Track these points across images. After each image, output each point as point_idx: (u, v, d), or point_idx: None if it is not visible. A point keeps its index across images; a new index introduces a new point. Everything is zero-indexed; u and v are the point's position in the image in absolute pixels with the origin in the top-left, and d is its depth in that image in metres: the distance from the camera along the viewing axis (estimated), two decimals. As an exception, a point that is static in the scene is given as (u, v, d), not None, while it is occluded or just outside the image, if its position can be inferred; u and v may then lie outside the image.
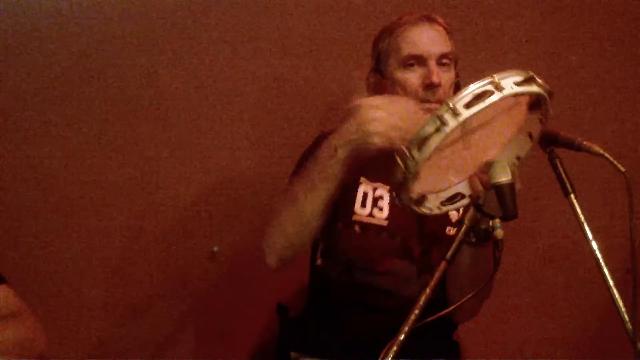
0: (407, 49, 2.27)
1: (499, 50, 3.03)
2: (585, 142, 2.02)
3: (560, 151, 2.04)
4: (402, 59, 2.27)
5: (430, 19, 2.31)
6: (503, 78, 1.70)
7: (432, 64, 2.25)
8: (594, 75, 3.14)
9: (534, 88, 1.74)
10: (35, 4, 2.73)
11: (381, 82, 2.31)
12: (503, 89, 1.69)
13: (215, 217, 2.86)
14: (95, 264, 2.79)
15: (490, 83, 1.69)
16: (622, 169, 1.92)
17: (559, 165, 2.01)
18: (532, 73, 1.74)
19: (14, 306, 2.14)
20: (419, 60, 2.26)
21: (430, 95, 2.23)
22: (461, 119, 1.67)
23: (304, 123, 2.86)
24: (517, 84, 1.72)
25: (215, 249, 2.85)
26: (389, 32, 2.32)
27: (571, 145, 2.03)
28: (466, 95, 1.69)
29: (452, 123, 1.67)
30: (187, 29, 2.83)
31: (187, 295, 2.86)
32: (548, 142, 2.03)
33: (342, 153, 2.08)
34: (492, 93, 1.68)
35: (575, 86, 3.10)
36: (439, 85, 2.23)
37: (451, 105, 1.67)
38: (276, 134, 2.89)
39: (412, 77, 2.25)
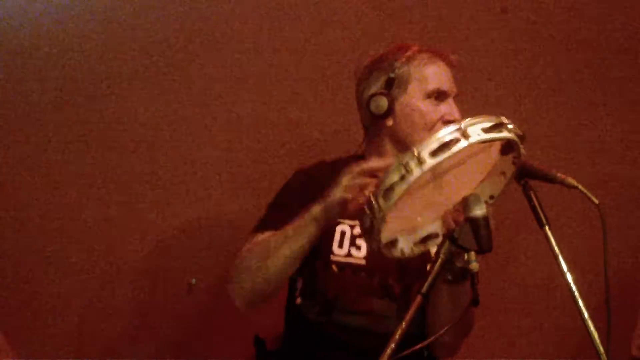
0: (435, 83, 2.33)
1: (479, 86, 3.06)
2: (559, 175, 2.02)
3: (535, 181, 2.04)
4: (428, 90, 2.33)
5: (446, 57, 2.37)
6: (470, 125, 1.71)
7: (452, 101, 2.34)
8: (568, 105, 3.19)
9: (503, 134, 1.75)
10: (19, 39, 2.76)
11: (393, 105, 2.32)
12: (469, 136, 1.70)
13: (194, 249, 2.87)
14: (73, 296, 2.78)
15: (457, 130, 1.70)
16: (596, 201, 1.93)
17: (533, 198, 2.01)
18: (502, 118, 1.75)
19: None
20: (442, 95, 2.33)
21: None
22: (425, 167, 1.69)
23: (283, 161, 2.88)
24: (486, 130, 1.72)
25: (193, 281, 2.85)
26: (406, 59, 2.34)
27: (545, 177, 2.04)
28: (432, 142, 1.70)
29: (416, 172, 1.69)
30: (171, 68, 2.87)
31: (165, 327, 2.85)
32: (522, 174, 2.02)
33: (322, 220, 2.09)
34: (458, 140, 1.70)
35: (550, 117, 3.14)
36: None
37: (416, 153, 1.69)
38: (255, 171, 2.91)
39: (434, 111, 2.32)
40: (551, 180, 2.03)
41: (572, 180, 2.00)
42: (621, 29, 3.24)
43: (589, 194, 1.95)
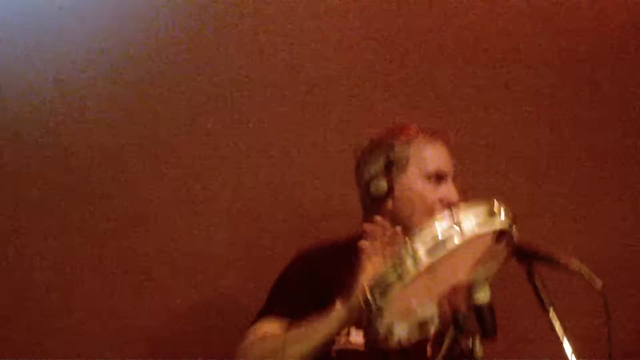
0: (433, 165, 2.36)
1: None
2: (562, 259, 2.01)
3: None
4: (427, 172, 2.35)
5: (444, 138, 2.40)
6: (464, 218, 1.73)
7: (451, 182, 2.36)
8: (570, 185, 3.20)
9: (496, 225, 1.77)
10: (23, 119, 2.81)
11: (392, 187, 2.33)
12: (464, 231, 1.72)
13: (199, 328, 2.88)
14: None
15: (452, 223, 1.72)
16: (599, 285, 1.92)
17: (536, 280, 2.00)
18: (495, 206, 1.77)
19: None
20: (440, 176, 2.35)
21: (446, 210, 2.25)
22: (422, 267, 1.71)
23: (286, 235, 2.90)
24: (479, 223, 1.75)
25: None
26: (405, 141, 2.37)
27: (548, 261, 2.02)
28: (427, 239, 1.72)
29: (413, 271, 1.71)
30: (169, 139, 2.92)
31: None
32: (525, 256, 2.01)
33: (346, 320, 2.07)
34: (453, 237, 1.72)
35: (552, 192, 3.16)
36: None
37: (412, 252, 1.70)
38: (258, 247, 2.93)
39: (433, 192, 2.34)
40: (555, 263, 2.02)
41: (574, 264, 1.99)
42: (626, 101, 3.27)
43: (592, 278, 1.93)
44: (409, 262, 1.70)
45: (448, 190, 2.34)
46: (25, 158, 2.83)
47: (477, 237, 1.79)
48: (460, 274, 1.89)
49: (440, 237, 1.71)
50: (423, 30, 3.19)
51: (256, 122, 2.99)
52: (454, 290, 1.88)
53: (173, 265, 2.89)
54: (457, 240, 1.71)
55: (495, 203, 1.78)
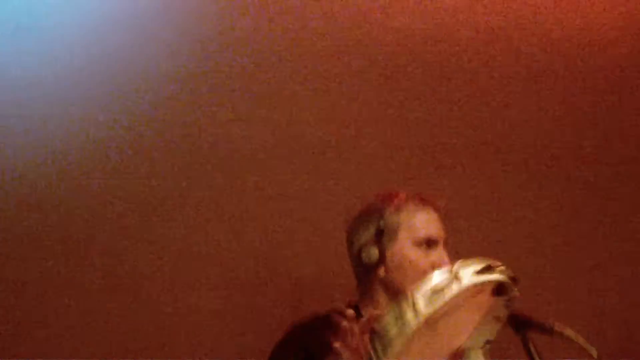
0: (424, 231, 2.35)
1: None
2: (556, 327, 2.00)
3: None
4: (418, 239, 2.34)
5: (434, 204, 2.40)
6: (462, 268, 1.73)
7: (442, 247, 2.36)
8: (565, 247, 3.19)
9: (494, 276, 1.78)
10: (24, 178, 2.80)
11: (384, 254, 2.33)
12: (462, 279, 1.74)
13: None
14: None
15: (450, 275, 1.75)
16: (595, 354, 1.90)
17: (532, 349, 1.99)
18: (492, 261, 1.76)
19: None
20: (431, 242, 2.35)
21: None
22: (422, 318, 1.71)
23: (280, 305, 2.91)
24: (477, 272, 1.74)
25: None
26: (395, 209, 2.37)
27: (543, 329, 2.02)
28: (426, 290, 1.74)
29: (413, 323, 1.72)
30: (163, 204, 2.91)
31: None
32: (520, 325, 2.01)
33: None
34: (451, 286, 1.73)
35: (547, 262, 3.15)
36: None
37: (411, 303, 1.72)
38: (251, 316, 2.92)
39: (425, 259, 2.33)
40: (549, 332, 2.01)
41: (570, 332, 1.99)
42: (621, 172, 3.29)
43: (587, 346, 1.93)
44: (409, 314, 1.72)
45: (440, 256, 2.34)
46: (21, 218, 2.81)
47: (476, 289, 1.81)
48: (462, 335, 1.91)
49: (438, 286, 1.73)
50: (415, 95, 3.22)
51: (250, 189, 2.99)
52: (455, 355, 1.88)
53: (163, 333, 2.86)
54: (455, 289, 1.73)
55: (494, 260, 1.82)
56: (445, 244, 2.38)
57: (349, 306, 2.33)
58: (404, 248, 2.34)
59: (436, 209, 2.39)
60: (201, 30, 3.02)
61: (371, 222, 2.37)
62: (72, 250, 2.82)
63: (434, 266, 2.28)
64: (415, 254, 2.33)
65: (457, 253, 2.26)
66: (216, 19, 3.03)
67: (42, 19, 2.87)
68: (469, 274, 1.75)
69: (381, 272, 2.34)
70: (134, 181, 2.91)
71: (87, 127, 2.89)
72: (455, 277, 1.73)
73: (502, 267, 1.80)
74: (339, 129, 3.11)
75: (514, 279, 1.82)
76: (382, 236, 2.34)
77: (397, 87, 3.21)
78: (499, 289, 1.85)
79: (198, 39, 3.02)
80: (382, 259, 2.33)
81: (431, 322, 1.81)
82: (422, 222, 2.36)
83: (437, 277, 1.75)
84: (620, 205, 3.34)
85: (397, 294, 2.24)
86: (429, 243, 2.34)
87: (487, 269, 1.77)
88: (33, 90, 2.85)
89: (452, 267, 1.76)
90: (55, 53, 2.88)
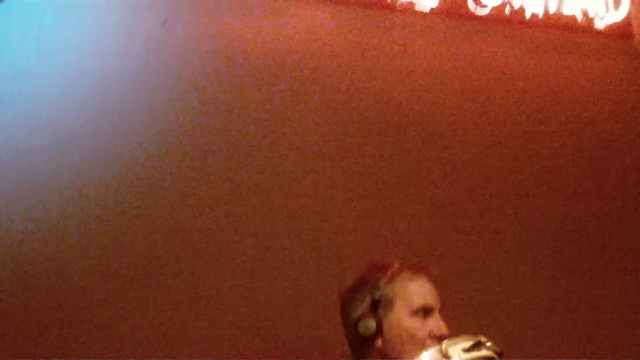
0: (419, 300, 2.34)
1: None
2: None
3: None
4: (414, 308, 2.33)
5: (428, 272, 2.40)
6: (451, 346, 1.72)
7: (438, 315, 2.34)
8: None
9: (482, 352, 1.77)
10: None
11: (381, 325, 2.32)
12: (451, 358, 1.73)
13: None
14: None
15: (439, 353, 1.71)
16: None
17: None
18: (480, 337, 1.76)
19: None
20: (428, 310, 2.34)
21: (436, 344, 2.23)
22: None
23: None
24: (466, 350, 1.73)
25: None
26: (389, 279, 2.36)
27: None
28: None
29: None
30: (153, 277, 2.92)
31: None
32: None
33: None
34: None
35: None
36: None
37: None
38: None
39: (422, 327, 2.31)
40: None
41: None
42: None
43: None
44: None
45: (436, 323, 2.32)
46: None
47: None
48: None
49: None
50: (411, 177, 3.27)
51: (239, 263, 3.00)
52: None
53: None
54: None
55: (482, 336, 1.81)
56: (442, 311, 2.36)
57: (345, 378, 2.36)
58: (400, 318, 2.32)
59: (430, 277, 2.39)
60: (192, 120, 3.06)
61: (366, 294, 2.36)
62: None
63: (431, 335, 2.29)
64: (412, 324, 2.31)
65: (453, 319, 2.28)
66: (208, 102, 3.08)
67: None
68: (457, 352, 1.75)
69: (378, 343, 2.31)
70: (120, 259, 2.91)
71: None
72: (445, 356, 1.73)
73: (490, 343, 1.80)
74: (328, 197, 3.14)
75: (501, 354, 1.81)
76: (378, 307, 2.33)
77: (384, 152, 3.25)
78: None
79: (188, 116, 3.06)
80: (379, 330, 2.31)
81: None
82: (417, 291, 2.35)
83: (427, 357, 1.73)
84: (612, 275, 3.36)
85: (395, 364, 2.27)
86: (426, 311, 2.33)
87: (476, 346, 1.77)
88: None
89: (442, 345, 1.76)
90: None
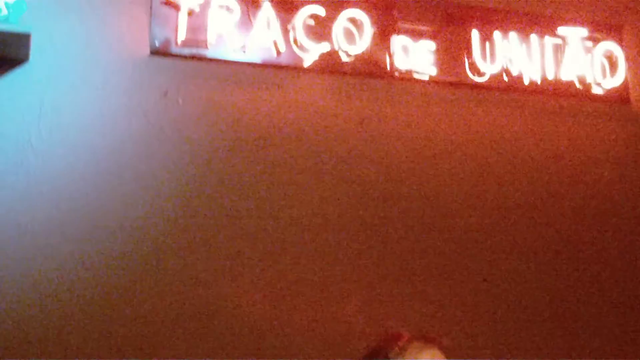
0: None
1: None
2: None
3: None
4: None
5: (438, 343, 2.39)
6: None
7: None
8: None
9: None
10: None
11: None
12: None
13: None
14: None
15: None
16: None
17: None
18: None
19: None
20: None
21: None
22: None
23: None
24: None
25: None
26: (400, 349, 2.35)
27: None
28: None
29: None
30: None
31: None
32: None
33: None
34: None
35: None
36: None
37: None
38: None
39: None
40: None
41: None
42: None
43: None
44: None
45: None
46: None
47: None
48: None
49: None
50: (414, 246, 3.28)
51: (234, 334, 2.99)
52: None
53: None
54: None
55: None
56: None
57: None
58: None
59: (441, 348, 2.38)
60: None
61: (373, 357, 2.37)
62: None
63: None
64: None
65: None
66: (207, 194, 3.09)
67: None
68: None
69: None
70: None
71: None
72: None
73: None
74: (329, 267, 3.15)
75: None
76: None
77: (385, 220, 3.26)
78: None
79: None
80: None
81: None
82: None
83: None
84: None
85: None
86: None
87: None
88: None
89: None
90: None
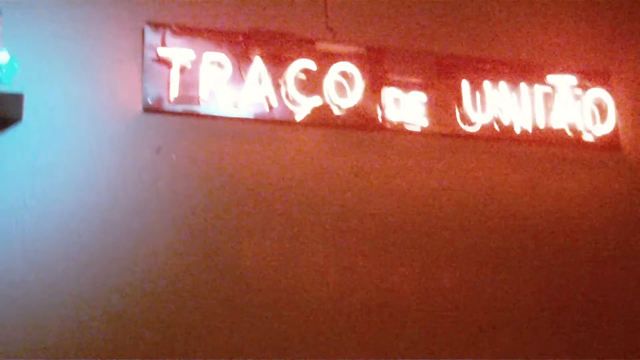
0: None
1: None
2: None
3: None
4: None
5: None
6: None
7: None
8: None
9: None
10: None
11: None
12: None
13: None
14: None
15: None
16: None
17: None
18: None
19: None
20: None
21: None
22: None
23: None
24: None
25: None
26: None
27: None
28: None
29: None
30: None
31: None
32: None
33: None
34: None
35: None
36: None
37: None
38: None
39: None
40: None
41: None
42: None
43: None
44: None
45: None
46: None
47: None
48: None
49: None
50: (408, 294, 3.28)
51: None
52: None
53: None
54: None
55: None
56: None
57: None
58: None
59: None
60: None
61: None
62: None
63: None
64: None
65: None
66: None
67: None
68: None
69: None
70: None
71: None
72: None
73: None
74: (326, 317, 3.15)
75: None
76: None
77: (380, 270, 3.26)
78: None
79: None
80: None
81: None
82: None
83: None
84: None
85: None
86: None
87: None
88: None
89: None
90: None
